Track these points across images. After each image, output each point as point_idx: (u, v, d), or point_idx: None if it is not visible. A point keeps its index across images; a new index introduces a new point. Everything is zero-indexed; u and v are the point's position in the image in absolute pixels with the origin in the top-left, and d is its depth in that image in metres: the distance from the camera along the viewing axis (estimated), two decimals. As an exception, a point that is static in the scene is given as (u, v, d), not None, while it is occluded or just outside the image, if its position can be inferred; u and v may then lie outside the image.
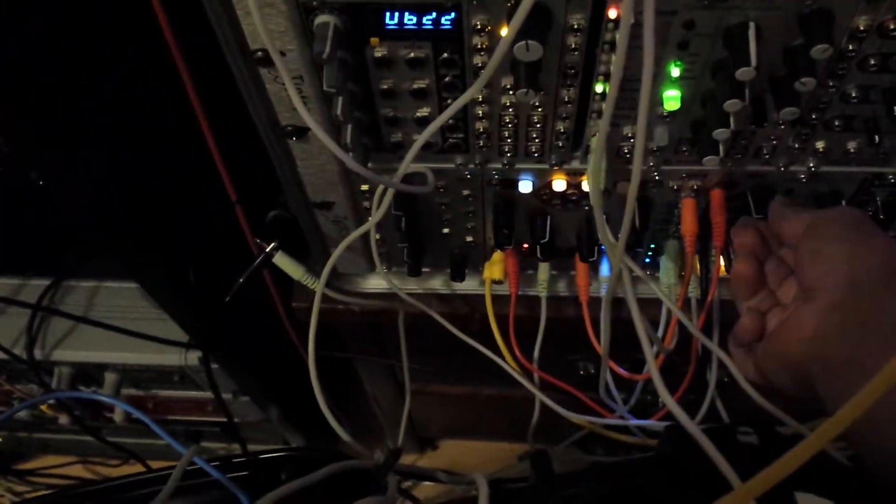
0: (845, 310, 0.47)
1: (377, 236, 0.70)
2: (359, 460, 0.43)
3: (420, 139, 0.47)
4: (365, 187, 0.65)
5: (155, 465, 0.69)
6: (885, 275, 0.47)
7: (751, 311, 0.56)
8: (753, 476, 0.28)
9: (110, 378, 1.02)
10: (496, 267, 0.74)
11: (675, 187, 0.63)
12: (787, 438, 0.38)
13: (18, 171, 0.57)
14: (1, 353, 0.94)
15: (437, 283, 0.80)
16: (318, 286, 0.60)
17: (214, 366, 0.93)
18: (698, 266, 0.69)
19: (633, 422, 0.72)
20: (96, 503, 0.47)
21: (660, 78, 0.52)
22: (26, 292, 0.97)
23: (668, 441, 0.37)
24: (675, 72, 0.52)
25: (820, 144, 0.58)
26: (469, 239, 0.72)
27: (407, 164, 0.49)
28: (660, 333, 0.71)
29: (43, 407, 1.06)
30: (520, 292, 0.75)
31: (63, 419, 1.12)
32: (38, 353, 0.97)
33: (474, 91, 0.43)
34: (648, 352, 0.47)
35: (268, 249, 0.67)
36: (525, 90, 0.49)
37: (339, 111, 0.53)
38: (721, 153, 0.55)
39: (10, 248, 0.95)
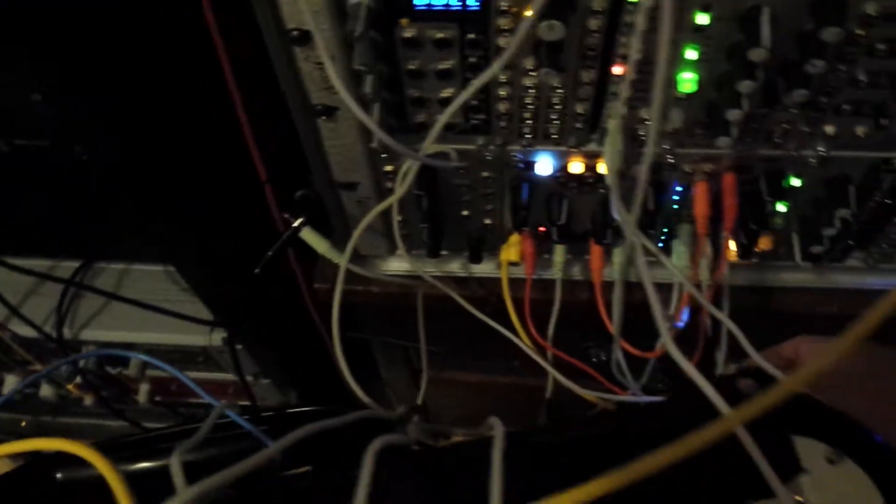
0: None
1: (399, 217, 0.72)
2: (381, 411, 0.45)
3: (448, 110, 0.49)
4: (389, 168, 0.68)
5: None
6: None
7: None
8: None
9: (136, 359, 1.05)
10: (513, 249, 0.76)
11: (689, 171, 0.65)
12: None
13: (63, 145, 0.59)
14: (31, 332, 0.97)
15: (455, 266, 0.82)
16: (342, 260, 0.62)
17: (238, 346, 0.95)
18: (709, 249, 0.70)
19: (646, 399, 0.73)
20: (132, 452, 0.49)
21: (676, 60, 0.54)
22: (58, 272, 1.00)
23: (673, 386, 0.39)
24: (692, 54, 0.54)
25: (830, 129, 0.60)
26: (487, 221, 0.75)
27: (432, 138, 0.52)
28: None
29: (70, 386, 1.09)
30: (535, 275, 0.77)
31: (88, 400, 1.15)
32: (66, 333, 1.00)
33: (498, 66, 0.46)
34: (661, 320, 0.49)
35: (295, 224, 0.69)
36: (547, 70, 0.52)
37: (368, 89, 0.55)
38: (734, 135, 0.57)
39: (44, 231, 0.98)
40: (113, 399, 1.16)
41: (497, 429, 0.36)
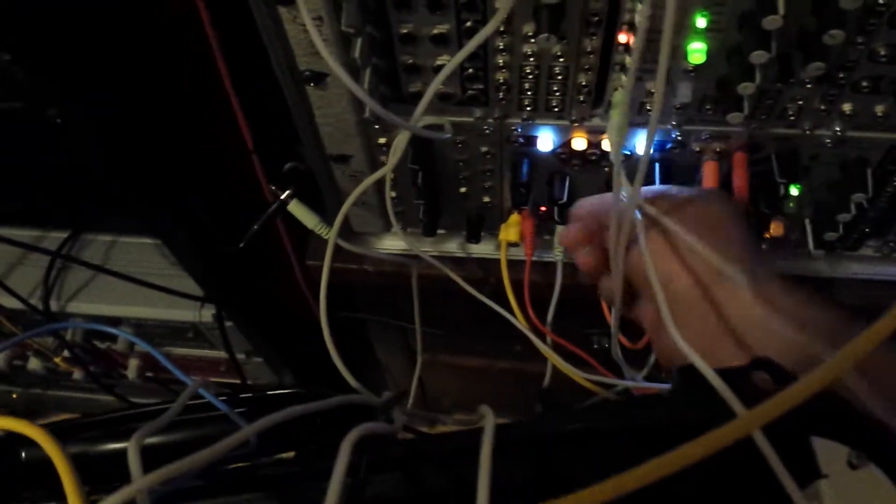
0: None
1: (393, 194, 0.69)
2: (366, 396, 0.43)
3: (441, 74, 0.46)
4: (382, 140, 0.65)
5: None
6: None
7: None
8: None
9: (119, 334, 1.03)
10: (512, 229, 0.73)
11: (698, 149, 0.62)
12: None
13: (37, 107, 0.57)
14: (17, 303, 0.94)
15: (452, 246, 0.80)
16: (331, 235, 0.59)
17: (228, 323, 0.93)
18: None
19: (645, 384, 0.71)
20: (102, 431, 0.47)
21: (685, 29, 0.51)
22: (45, 244, 0.97)
23: (680, 380, 0.37)
24: (702, 22, 0.50)
25: (847, 107, 0.57)
26: (486, 199, 0.72)
27: (425, 104, 0.49)
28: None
29: (57, 360, 1.07)
30: (535, 257, 0.74)
31: (77, 374, 1.13)
32: (53, 305, 0.98)
33: (494, 26, 0.42)
34: (663, 303, 0.46)
35: (283, 197, 0.66)
36: (547, 35, 0.49)
37: (357, 53, 0.52)
38: (746, 110, 0.54)
39: (29, 200, 0.95)
40: (102, 374, 1.14)
41: (487, 419, 0.33)
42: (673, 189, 0.54)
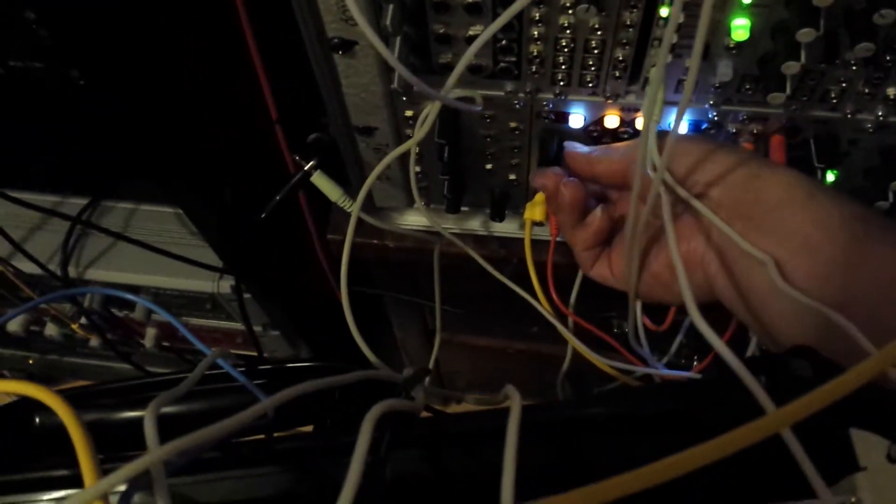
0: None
1: (417, 168, 0.68)
2: (386, 372, 0.41)
3: (475, 43, 0.44)
4: (409, 113, 0.63)
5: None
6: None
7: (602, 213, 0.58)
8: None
9: (137, 301, 1.03)
10: (538, 208, 0.71)
11: (734, 130, 0.60)
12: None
13: (60, 68, 0.56)
14: (35, 268, 0.94)
15: (475, 224, 0.78)
16: (354, 208, 0.58)
17: (247, 295, 0.92)
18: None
19: (665, 371, 0.69)
20: (118, 399, 0.46)
21: (730, 3, 0.49)
22: (64, 209, 0.97)
23: (713, 369, 0.35)
24: (747, -2, 0.49)
25: (892, 91, 0.54)
26: (512, 177, 0.70)
27: (457, 74, 0.47)
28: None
29: (74, 326, 1.07)
30: (560, 238, 0.72)
31: (94, 341, 1.13)
32: (71, 272, 0.97)
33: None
34: (685, 286, 0.45)
35: (306, 167, 0.65)
36: (586, 6, 0.47)
37: (388, 21, 0.50)
38: (788, 90, 0.52)
39: (50, 165, 0.95)
40: (119, 342, 1.14)
41: (514, 399, 0.32)
42: (709, 145, 0.51)
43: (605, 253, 0.62)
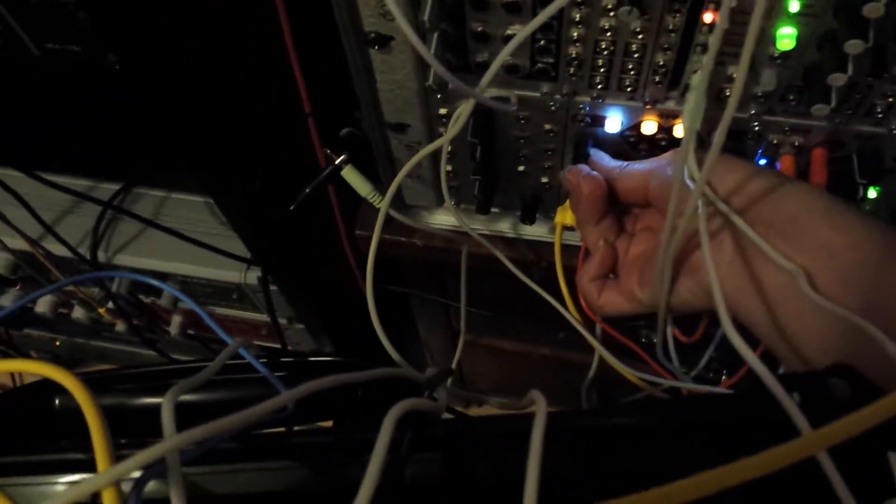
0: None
1: (448, 167, 0.67)
2: (409, 370, 0.41)
3: (513, 41, 0.44)
4: (443, 111, 0.62)
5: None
6: None
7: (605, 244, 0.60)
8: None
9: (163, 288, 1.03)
10: (570, 212, 0.70)
11: (775, 142, 0.59)
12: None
13: (97, 52, 0.56)
14: (65, 251, 0.95)
15: (505, 226, 0.77)
16: (384, 204, 0.58)
17: (273, 287, 0.92)
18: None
19: (693, 385, 0.68)
20: (139, 384, 0.46)
21: (776, 12, 0.48)
22: (96, 194, 0.98)
23: (747, 387, 0.34)
24: (794, 6, 0.47)
25: (941, 108, 0.53)
26: (544, 180, 0.69)
27: (493, 72, 0.46)
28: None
29: (101, 310, 1.07)
30: (591, 243, 0.71)
31: (120, 326, 1.14)
32: (101, 257, 0.98)
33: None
34: (719, 297, 0.43)
35: (337, 161, 0.65)
36: (629, 9, 0.46)
37: (426, 16, 0.50)
38: (833, 103, 0.51)
39: (84, 150, 0.95)
40: (145, 328, 1.15)
41: (539, 405, 0.31)
42: (746, 167, 0.50)
43: (613, 282, 0.61)
